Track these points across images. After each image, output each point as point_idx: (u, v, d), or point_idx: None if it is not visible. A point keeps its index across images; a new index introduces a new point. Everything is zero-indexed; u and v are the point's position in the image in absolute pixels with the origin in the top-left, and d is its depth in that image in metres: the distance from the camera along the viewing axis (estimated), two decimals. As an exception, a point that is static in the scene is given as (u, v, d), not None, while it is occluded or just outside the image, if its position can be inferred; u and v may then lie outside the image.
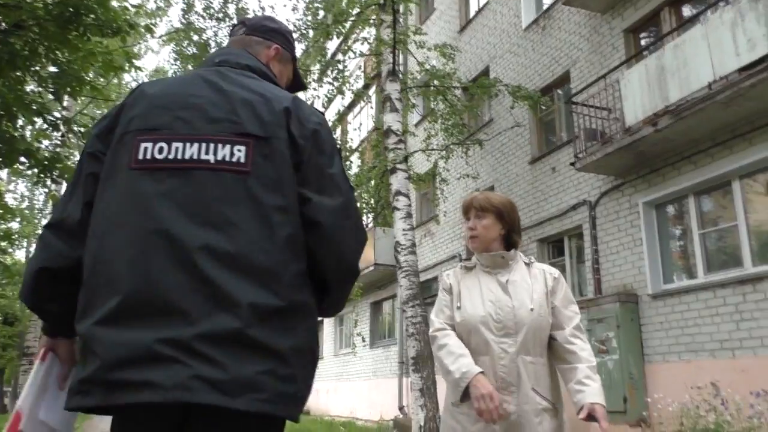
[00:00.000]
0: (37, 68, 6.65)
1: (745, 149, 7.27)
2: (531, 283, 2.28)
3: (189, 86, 1.51)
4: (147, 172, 1.39)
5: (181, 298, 1.27)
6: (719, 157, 7.59)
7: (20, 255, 25.90)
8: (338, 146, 1.56)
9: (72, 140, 10.10)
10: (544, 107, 11.12)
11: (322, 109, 15.71)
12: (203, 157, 1.39)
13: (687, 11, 8.75)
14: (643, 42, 9.44)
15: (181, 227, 1.33)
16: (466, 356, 2.15)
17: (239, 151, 1.39)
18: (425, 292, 12.60)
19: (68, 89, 6.73)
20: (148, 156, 1.40)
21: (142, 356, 1.24)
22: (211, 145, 1.39)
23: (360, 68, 15.63)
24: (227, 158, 1.38)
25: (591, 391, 2.10)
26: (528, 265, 2.37)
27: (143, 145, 1.41)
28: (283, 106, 1.47)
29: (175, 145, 1.40)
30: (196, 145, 1.40)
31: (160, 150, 1.40)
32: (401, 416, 13.10)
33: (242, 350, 1.27)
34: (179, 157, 1.39)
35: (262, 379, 1.27)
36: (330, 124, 14.04)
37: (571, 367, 2.18)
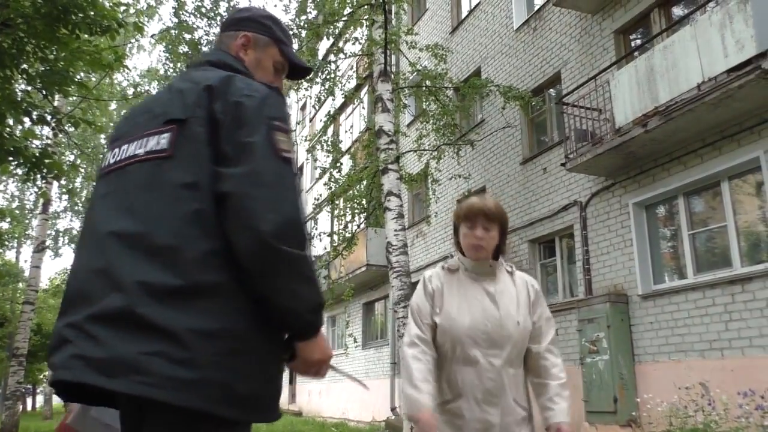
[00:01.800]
0: (26, 66, 6.62)
1: (733, 150, 7.31)
2: (516, 294, 2.25)
3: (156, 94, 1.62)
4: (104, 177, 1.51)
5: (89, 284, 1.34)
6: (708, 157, 7.63)
7: (10, 255, 25.75)
8: (274, 118, 1.42)
9: (62, 138, 10.07)
10: (537, 106, 11.15)
11: (311, 109, 15.55)
12: (137, 151, 1.46)
13: (677, 12, 8.80)
14: (633, 43, 9.49)
15: (105, 220, 1.41)
16: (427, 387, 2.11)
17: (164, 138, 1.43)
18: (417, 293, 12.59)
19: (56, 87, 6.70)
20: (107, 163, 1.53)
21: (56, 341, 1.34)
22: (145, 139, 1.46)
23: (352, 69, 15.63)
24: (154, 147, 1.44)
25: (559, 410, 2.16)
26: (510, 273, 2.32)
27: (108, 154, 1.54)
28: (205, 84, 1.45)
29: (123, 147, 1.50)
30: (135, 142, 1.48)
31: (114, 155, 1.52)
32: (393, 417, 13.10)
33: (127, 329, 1.24)
34: (122, 157, 1.49)
35: (146, 360, 1.22)
36: (321, 124, 14.03)
37: (541, 383, 2.23)
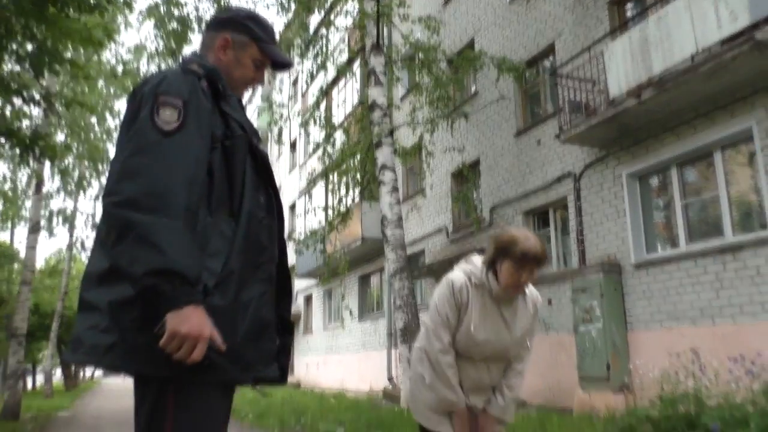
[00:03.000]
0: (15, 47, 6.54)
1: (726, 120, 7.36)
2: (526, 317, 2.51)
3: None
4: None
5: None
6: (701, 128, 7.68)
7: (5, 237, 25.66)
8: (161, 93, 1.50)
9: (53, 119, 9.99)
10: (531, 78, 11.11)
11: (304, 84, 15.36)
12: None
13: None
14: (627, 14, 9.44)
15: None
16: (460, 390, 2.43)
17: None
18: (412, 266, 12.70)
19: (46, 67, 6.64)
20: None
21: None
22: None
23: (344, 42, 15.48)
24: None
25: (497, 404, 2.49)
26: (523, 293, 2.52)
27: None
28: (133, 90, 1.61)
29: None
30: None
31: None
32: (390, 387, 13.31)
33: (81, 312, 1.50)
34: None
35: (85, 333, 1.46)
36: (314, 99, 13.94)
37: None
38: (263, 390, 1.80)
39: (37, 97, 7.27)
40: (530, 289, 2.53)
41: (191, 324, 1.34)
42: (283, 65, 1.91)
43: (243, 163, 1.60)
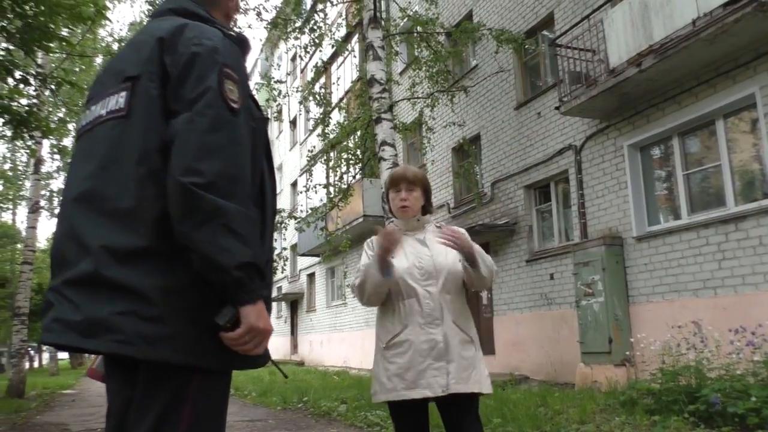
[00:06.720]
0: (4, 23, 6.44)
1: (728, 87, 7.20)
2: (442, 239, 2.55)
3: (120, 51, 1.58)
4: (78, 141, 1.53)
5: (66, 249, 1.39)
6: (703, 96, 7.52)
7: (6, 217, 25.72)
8: (224, 65, 1.38)
9: (48, 97, 9.91)
10: (530, 49, 10.92)
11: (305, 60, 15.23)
12: (101, 112, 1.46)
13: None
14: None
15: (74, 185, 1.44)
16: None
17: (122, 97, 1.42)
18: (413, 242, 12.59)
19: (36, 44, 6.54)
20: (81, 125, 1.53)
21: (45, 304, 1.40)
22: (107, 99, 1.45)
23: (341, 17, 15.25)
24: (113, 107, 1.43)
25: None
26: (439, 227, 2.61)
27: (83, 117, 1.54)
28: (157, 37, 1.42)
29: (92, 108, 1.50)
30: (100, 103, 1.47)
31: (86, 117, 1.51)
32: (393, 363, 13.35)
33: (98, 291, 1.29)
34: (90, 119, 1.49)
35: (118, 319, 1.27)
36: (312, 75, 13.79)
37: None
38: (284, 370, 1.74)
39: (28, 75, 7.19)
40: (450, 228, 2.58)
41: (266, 319, 1.33)
42: None
43: (264, 147, 1.52)
